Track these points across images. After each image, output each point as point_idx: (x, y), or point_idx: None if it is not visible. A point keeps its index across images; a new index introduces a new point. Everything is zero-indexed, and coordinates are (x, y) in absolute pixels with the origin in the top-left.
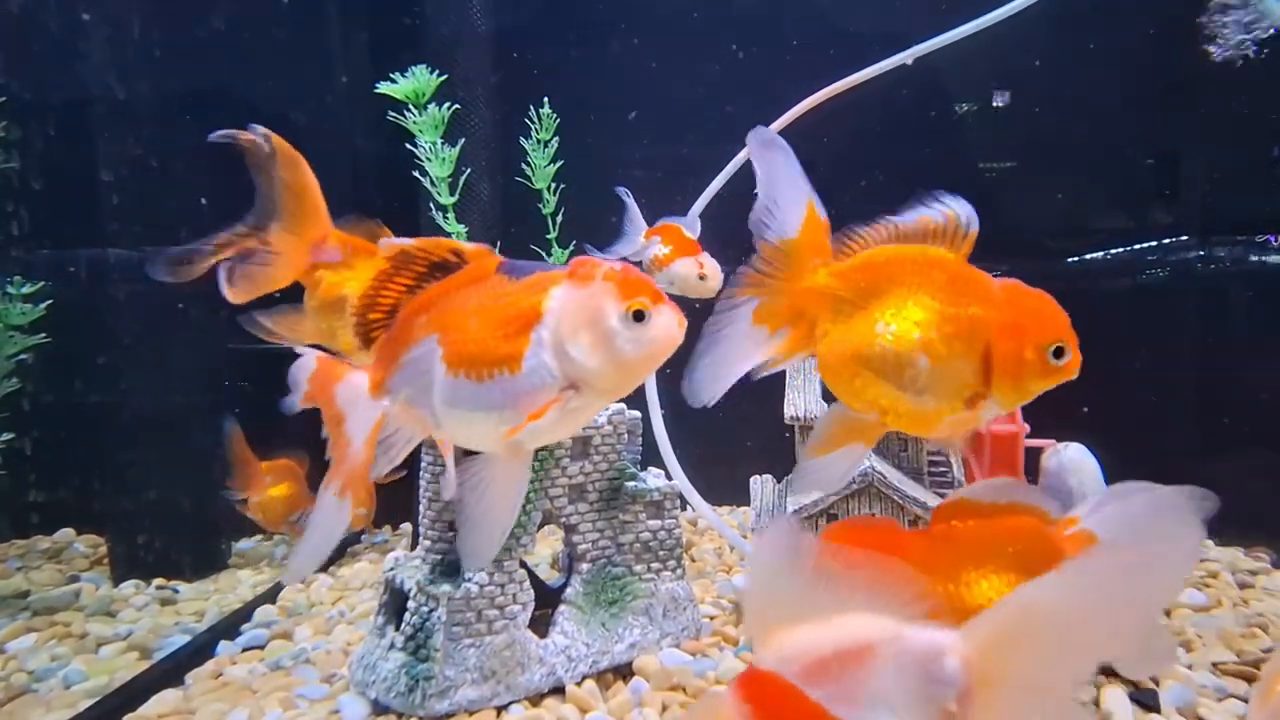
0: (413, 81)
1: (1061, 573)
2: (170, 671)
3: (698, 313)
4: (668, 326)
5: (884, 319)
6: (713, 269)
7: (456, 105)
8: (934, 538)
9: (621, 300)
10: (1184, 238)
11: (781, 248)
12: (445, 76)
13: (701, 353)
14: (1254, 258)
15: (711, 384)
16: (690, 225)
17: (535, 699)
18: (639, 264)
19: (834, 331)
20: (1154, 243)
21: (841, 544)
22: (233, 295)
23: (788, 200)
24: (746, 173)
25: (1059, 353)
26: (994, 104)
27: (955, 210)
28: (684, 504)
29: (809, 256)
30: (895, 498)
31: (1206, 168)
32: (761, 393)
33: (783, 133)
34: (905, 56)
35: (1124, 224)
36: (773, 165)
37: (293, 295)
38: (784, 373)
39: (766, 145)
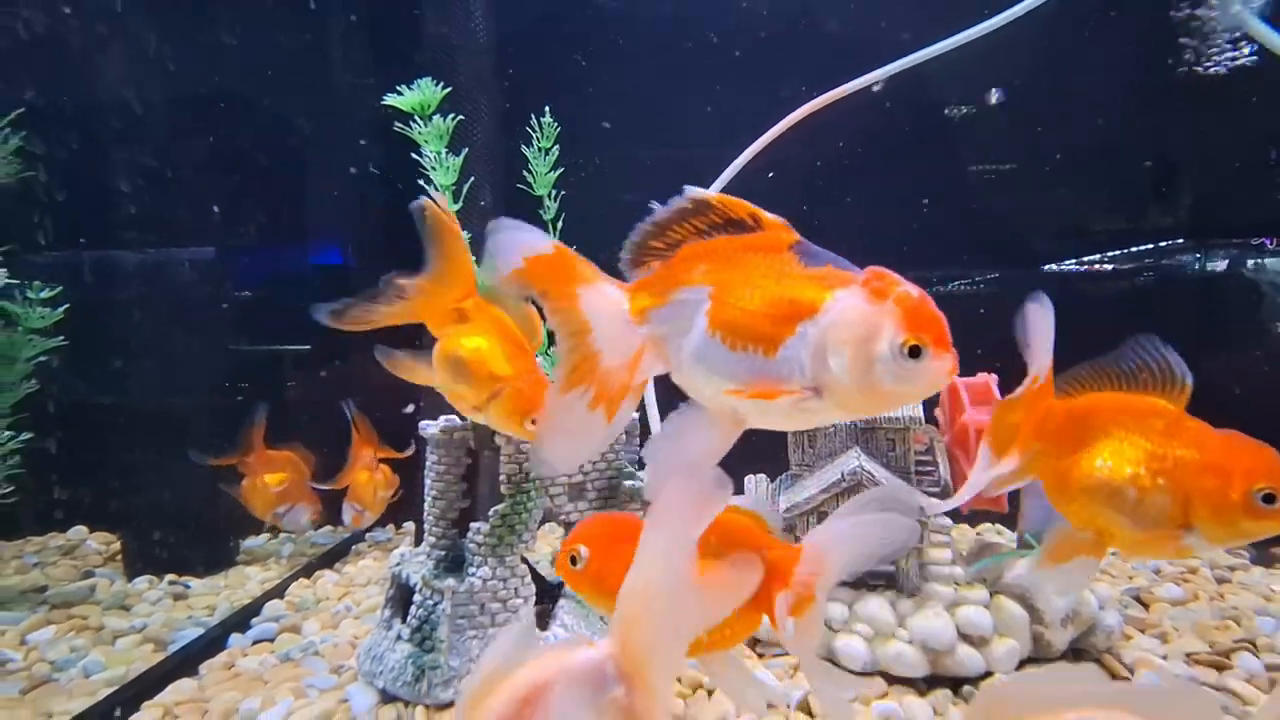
0: (418, 94)
1: (638, 554)
2: (184, 663)
3: None
4: (935, 373)
5: (1104, 456)
6: None
7: (460, 116)
8: None
9: (902, 329)
10: (1180, 240)
11: (1032, 386)
12: (450, 88)
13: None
14: (1251, 261)
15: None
16: None
17: None
18: None
19: (1061, 463)
20: (1149, 245)
21: (590, 535)
22: (335, 321)
23: (1042, 351)
24: (743, 176)
25: (1270, 498)
26: (991, 101)
27: (1172, 363)
28: None
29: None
30: None
31: (1203, 170)
32: None
33: (779, 138)
34: (887, 71)
35: (1121, 226)
36: (1047, 323)
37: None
38: None
39: (1047, 309)
